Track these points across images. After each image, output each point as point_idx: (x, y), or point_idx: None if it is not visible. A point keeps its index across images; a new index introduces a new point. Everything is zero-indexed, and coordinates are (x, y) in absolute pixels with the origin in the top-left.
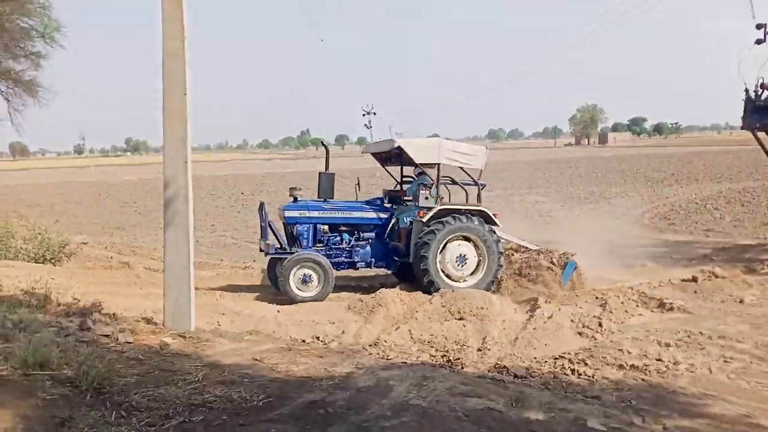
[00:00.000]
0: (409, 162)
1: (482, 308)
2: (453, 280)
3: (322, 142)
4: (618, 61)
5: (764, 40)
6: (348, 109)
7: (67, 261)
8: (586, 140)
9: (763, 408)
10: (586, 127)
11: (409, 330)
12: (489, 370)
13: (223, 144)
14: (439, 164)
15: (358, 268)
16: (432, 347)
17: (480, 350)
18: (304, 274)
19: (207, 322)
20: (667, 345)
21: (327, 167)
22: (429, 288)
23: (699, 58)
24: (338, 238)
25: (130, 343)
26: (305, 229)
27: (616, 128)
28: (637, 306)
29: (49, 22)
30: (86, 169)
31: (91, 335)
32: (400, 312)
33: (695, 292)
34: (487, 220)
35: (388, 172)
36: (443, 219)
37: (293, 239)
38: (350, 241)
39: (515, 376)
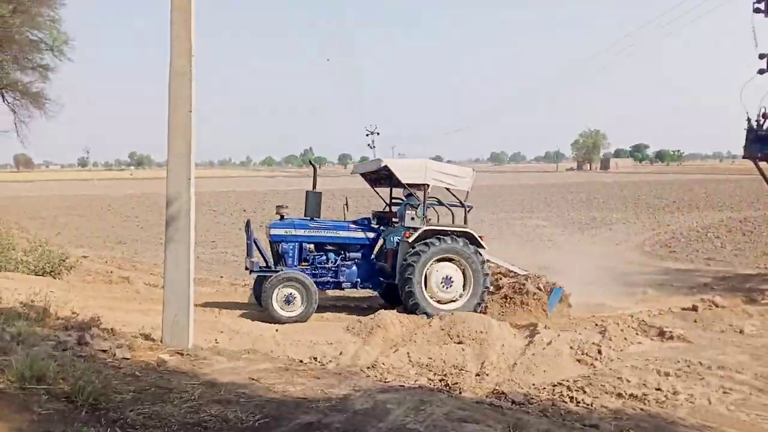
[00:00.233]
0: (398, 183)
1: (481, 332)
2: (438, 302)
3: (310, 161)
4: (621, 87)
5: (767, 70)
6: (351, 128)
7: (67, 274)
8: (588, 165)
9: None
10: (589, 153)
11: (408, 353)
12: (487, 396)
13: (226, 160)
14: (425, 185)
15: (343, 288)
16: (430, 371)
17: (478, 375)
18: (288, 294)
19: (205, 340)
20: (667, 374)
21: (314, 186)
22: (414, 310)
23: (701, 87)
24: (324, 258)
25: (128, 359)
26: (290, 247)
27: (618, 154)
28: (636, 334)
29: (58, 35)
30: (89, 182)
31: (88, 350)
32: (398, 334)
33: (695, 321)
34: (473, 241)
35: (377, 193)
36: (429, 240)
37: (279, 257)
38: (336, 260)
39: (513, 402)
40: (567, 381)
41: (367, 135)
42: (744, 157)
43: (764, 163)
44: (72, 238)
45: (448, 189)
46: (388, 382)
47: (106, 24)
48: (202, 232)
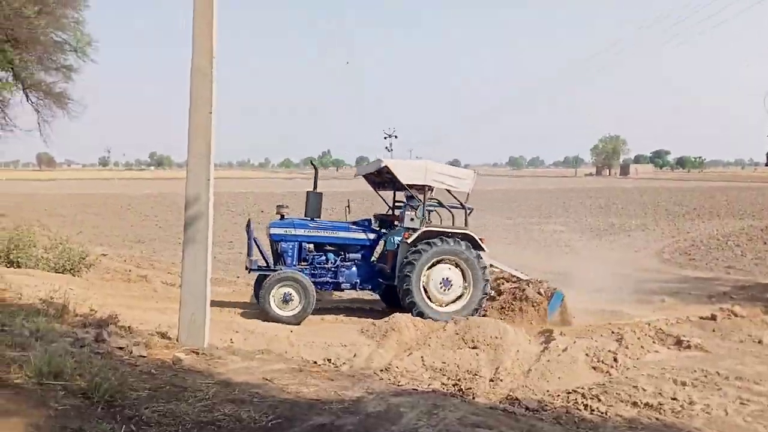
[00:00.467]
0: (398, 184)
1: (496, 338)
2: (437, 305)
3: (311, 162)
4: (642, 93)
5: None
6: (369, 131)
7: (86, 272)
8: (608, 171)
9: None
10: (608, 158)
11: (422, 356)
12: (500, 402)
13: (245, 162)
14: (426, 186)
15: (343, 289)
16: (444, 375)
17: (492, 380)
18: (285, 293)
19: (220, 339)
20: (683, 384)
21: (315, 186)
22: (411, 310)
23: (725, 93)
24: (323, 258)
25: (144, 356)
26: (290, 247)
27: (638, 160)
28: (653, 342)
29: (82, 36)
30: (110, 181)
31: (105, 347)
32: (413, 337)
33: (713, 330)
34: (474, 244)
35: (380, 196)
36: (428, 241)
37: (278, 257)
38: (335, 261)
39: (527, 408)
40: (582, 388)
41: (385, 138)
42: (767, 165)
43: None
44: (92, 237)
45: (448, 191)
46: (401, 385)
47: (128, 24)
48: (219, 233)
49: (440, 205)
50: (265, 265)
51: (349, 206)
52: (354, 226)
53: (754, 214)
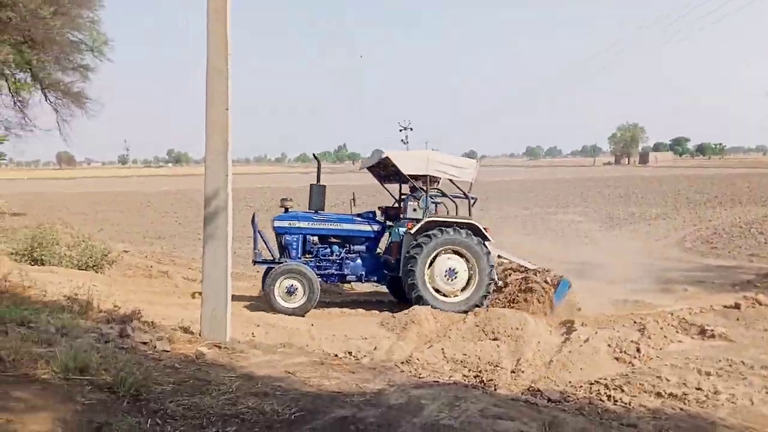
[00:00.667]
0: (403, 177)
1: (517, 329)
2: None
3: (314, 155)
4: (661, 79)
5: None
6: (385, 124)
7: (108, 269)
8: (626, 159)
9: None
10: (627, 146)
11: (442, 349)
12: (522, 393)
13: (261, 157)
14: (428, 176)
15: (348, 281)
16: (465, 367)
17: (513, 372)
18: (290, 285)
19: (242, 333)
20: (708, 374)
21: (318, 179)
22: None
23: (745, 78)
24: (328, 250)
25: (167, 351)
26: (294, 239)
27: (657, 148)
28: (676, 332)
29: (98, 36)
30: (129, 179)
31: (130, 342)
32: (433, 330)
33: (737, 319)
34: (478, 233)
35: (386, 189)
36: (431, 232)
37: (283, 249)
38: (340, 253)
39: (549, 400)
40: (604, 379)
41: (400, 131)
42: None
43: None
44: (113, 234)
45: (451, 180)
46: (422, 377)
47: (145, 23)
48: (239, 228)
49: (443, 194)
50: (271, 258)
51: (354, 199)
52: (358, 218)
53: None
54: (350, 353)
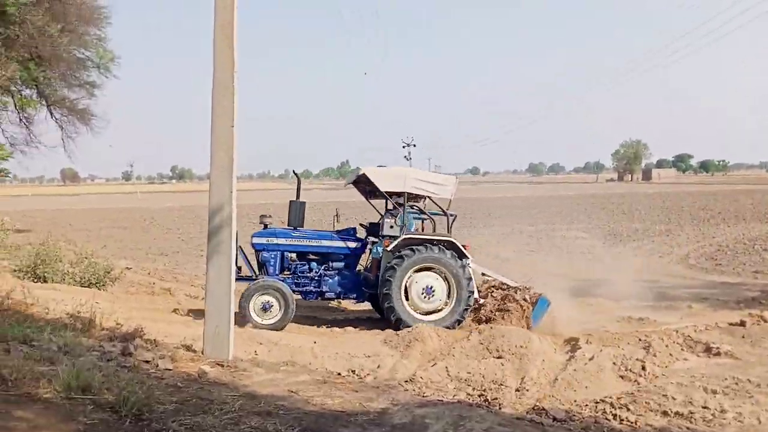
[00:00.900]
0: (380, 194)
1: (521, 347)
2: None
3: (294, 172)
4: (663, 96)
5: None
6: (387, 141)
7: (111, 286)
8: (629, 176)
9: None
10: (630, 163)
11: (446, 367)
12: (527, 412)
13: (265, 173)
14: (405, 193)
15: (327, 298)
16: (469, 385)
17: (518, 390)
18: (265, 302)
19: (245, 351)
20: (714, 392)
21: (298, 196)
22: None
23: (748, 94)
24: (306, 267)
25: (170, 369)
26: (272, 256)
27: (660, 164)
28: (682, 350)
29: (105, 53)
30: (133, 195)
31: (132, 361)
32: (436, 348)
33: (743, 336)
34: (456, 251)
35: (372, 205)
36: (408, 249)
37: (261, 266)
38: (319, 270)
39: (554, 419)
40: (610, 398)
41: (403, 147)
42: None
43: None
44: (116, 250)
45: (429, 197)
46: (426, 396)
47: (151, 38)
48: (242, 244)
49: (420, 212)
50: (253, 274)
51: (337, 215)
52: (337, 235)
53: None
54: (353, 371)
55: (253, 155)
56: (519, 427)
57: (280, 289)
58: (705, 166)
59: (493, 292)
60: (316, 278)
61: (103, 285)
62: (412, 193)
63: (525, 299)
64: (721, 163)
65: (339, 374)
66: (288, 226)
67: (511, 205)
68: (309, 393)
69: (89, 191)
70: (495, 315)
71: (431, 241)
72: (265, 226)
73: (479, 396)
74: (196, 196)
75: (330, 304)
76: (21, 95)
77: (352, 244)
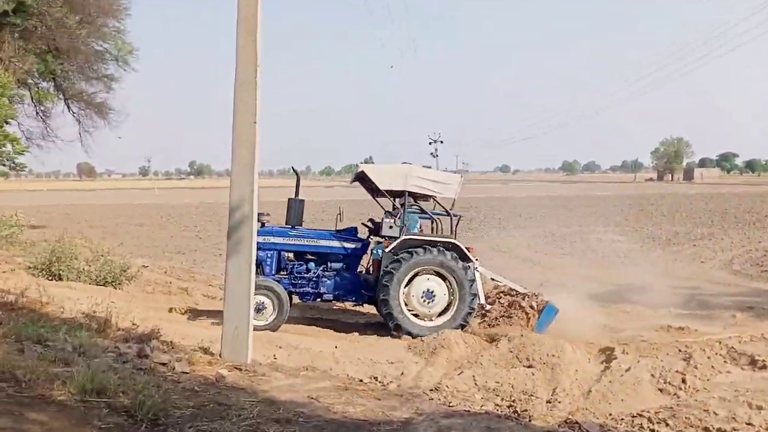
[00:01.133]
0: (381, 192)
1: (553, 356)
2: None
3: (293, 168)
4: (707, 91)
5: None
6: (410, 134)
7: (127, 284)
8: (670, 176)
9: None
10: (670, 162)
11: (473, 376)
12: (559, 425)
13: (285, 170)
14: (406, 192)
15: (325, 300)
16: (497, 396)
17: (549, 402)
18: (259, 302)
19: (263, 355)
20: (759, 408)
21: (297, 193)
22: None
23: None
24: (303, 267)
25: (187, 373)
26: (268, 255)
27: (703, 163)
28: (725, 362)
29: (123, 45)
30: (150, 190)
31: (148, 363)
32: (463, 355)
33: None
34: (461, 254)
35: (378, 203)
36: (408, 251)
37: (257, 265)
38: (316, 271)
39: None
40: (648, 412)
41: (430, 143)
42: None
43: None
44: (132, 248)
45: (432, 197)
46: (452, 406)
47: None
48: None
49: (422, 211)
50: None
51: (341, 213)
52: (336, 235)
53: None
54: (376, 378)
55: (276, 151)
56: None
57: (273, 289)
58: (751, 166)
59: (500, 298)
60: (314, 279)
61: (119, 284)
62: (413, 192)
63: (532, 306)
64: None
65: (361, 381)
66: (286, 224)
67: (541, 205)
68: (330, 400)
69: (106, 186)
70: (499, 322)
71: (432, 243)
72: (263, 225)
73: (508, 407)
74: (215, 193)
75: (351, 308)
76: (38, 88)
77: (352, 245)
